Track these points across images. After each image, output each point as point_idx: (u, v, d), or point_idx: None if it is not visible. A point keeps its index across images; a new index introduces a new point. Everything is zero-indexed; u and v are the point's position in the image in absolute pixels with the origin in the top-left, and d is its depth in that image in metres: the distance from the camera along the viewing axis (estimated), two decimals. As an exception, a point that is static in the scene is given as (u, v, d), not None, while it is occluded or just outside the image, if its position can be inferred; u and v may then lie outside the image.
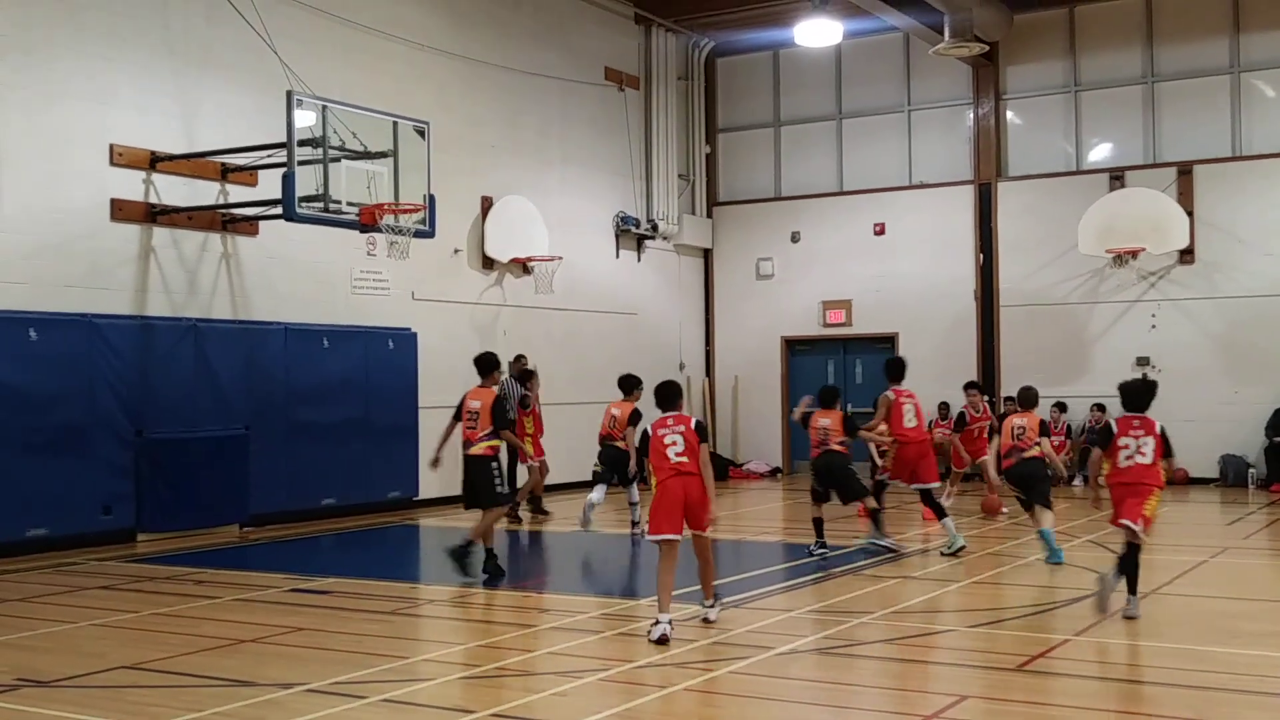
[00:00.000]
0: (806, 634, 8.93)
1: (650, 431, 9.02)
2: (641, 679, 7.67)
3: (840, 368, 23.78)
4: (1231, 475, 20.03)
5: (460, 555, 11.37)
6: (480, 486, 11.45)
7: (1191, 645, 8.56)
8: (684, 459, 8.81)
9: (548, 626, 9.51)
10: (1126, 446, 9.34)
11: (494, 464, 11.43)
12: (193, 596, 10.79)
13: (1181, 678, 7.81)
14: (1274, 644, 8.54)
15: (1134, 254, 20.41)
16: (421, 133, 15.21)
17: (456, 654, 8.52)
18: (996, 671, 7.93)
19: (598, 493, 14.35)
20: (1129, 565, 9.22)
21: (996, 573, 11.86)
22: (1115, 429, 9.43)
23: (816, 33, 20.13)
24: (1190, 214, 20.54)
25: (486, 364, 11.81)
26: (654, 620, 8.58)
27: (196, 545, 14.19)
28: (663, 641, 8.39)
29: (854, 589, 10.77)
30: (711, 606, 9.20)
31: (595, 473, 14.81)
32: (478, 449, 11.42)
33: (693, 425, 8.97)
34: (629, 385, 14.58)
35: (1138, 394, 9.58)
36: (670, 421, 9.00)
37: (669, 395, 9.25)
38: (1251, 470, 19.90)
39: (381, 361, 17.45)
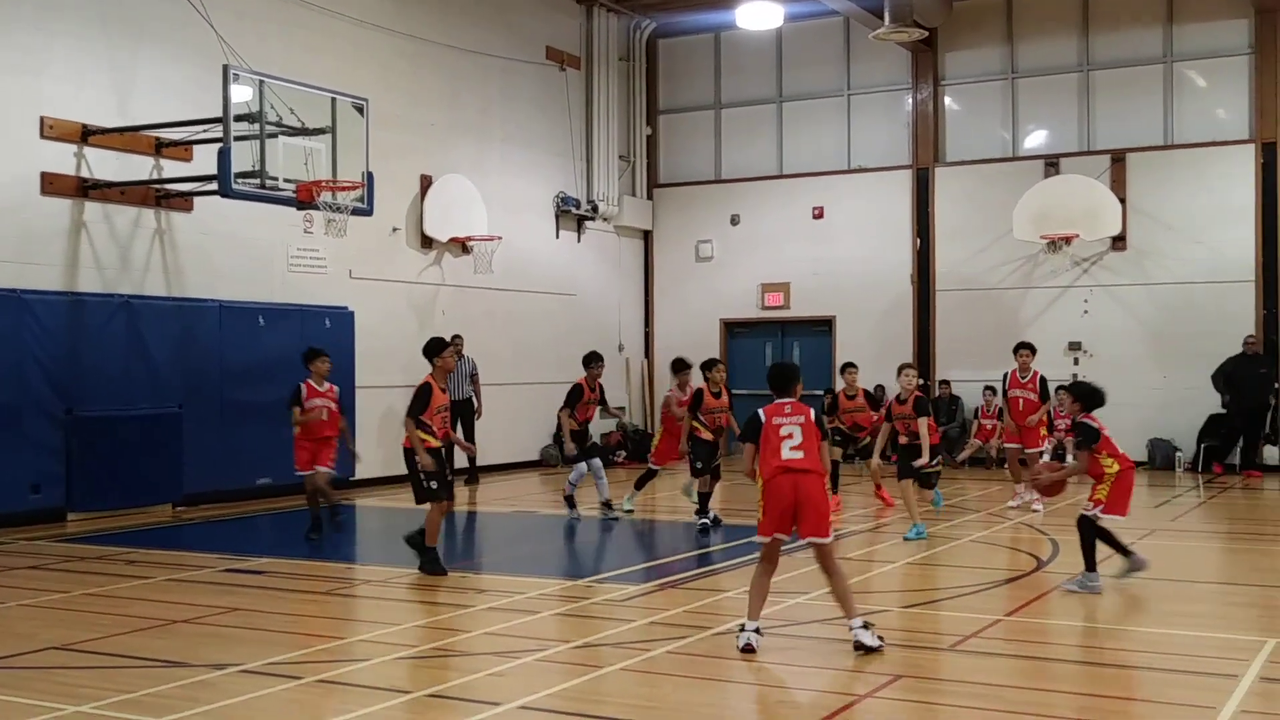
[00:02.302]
0: (743, 614, 8.98)
1: (763, 418, 7.99)
2: (579, 659, 7.69)
3: (778, 350, 23.92)
4: (1159, 459, 20.38)
5: (412, 543, 10.84)
6: (412, 482, 10.87)
7: (1120, 625, 8.72)
8: (798, 454, 7.82)
9: (484, 607, 9.50)
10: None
11: (417, 458, 10.64)
12: (125, 577, 10.66)
13: (1111, 657, 7.98)
14: (1199, 624, 8.73)
15: (1068, 240, 20.67)
16: (360, 110, 15.07)
17: (393, 634, 8.49)
18: (930, 651, 8.05)
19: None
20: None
21: (930, 554, 12.00)
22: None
23: (758, 15, 20.21)
24: (1123, 201, 20.84)
25: (429, 349, 11.05)
26: (739, 626, 7.90)
27: (129, 525, 14.01)
28: (748, 651, 7.66)
29: (790, 569, 10.84)
30: (864, 628, 7.74)
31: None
32: (407, 441, 10.79)
33: (812, 416, 7.96)
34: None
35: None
36: (787, 409, 7.97)
37: (786, 379, 8.17)
38: (1178, 454, 20.26)
39: (318, 340, 17.07)
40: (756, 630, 7.78)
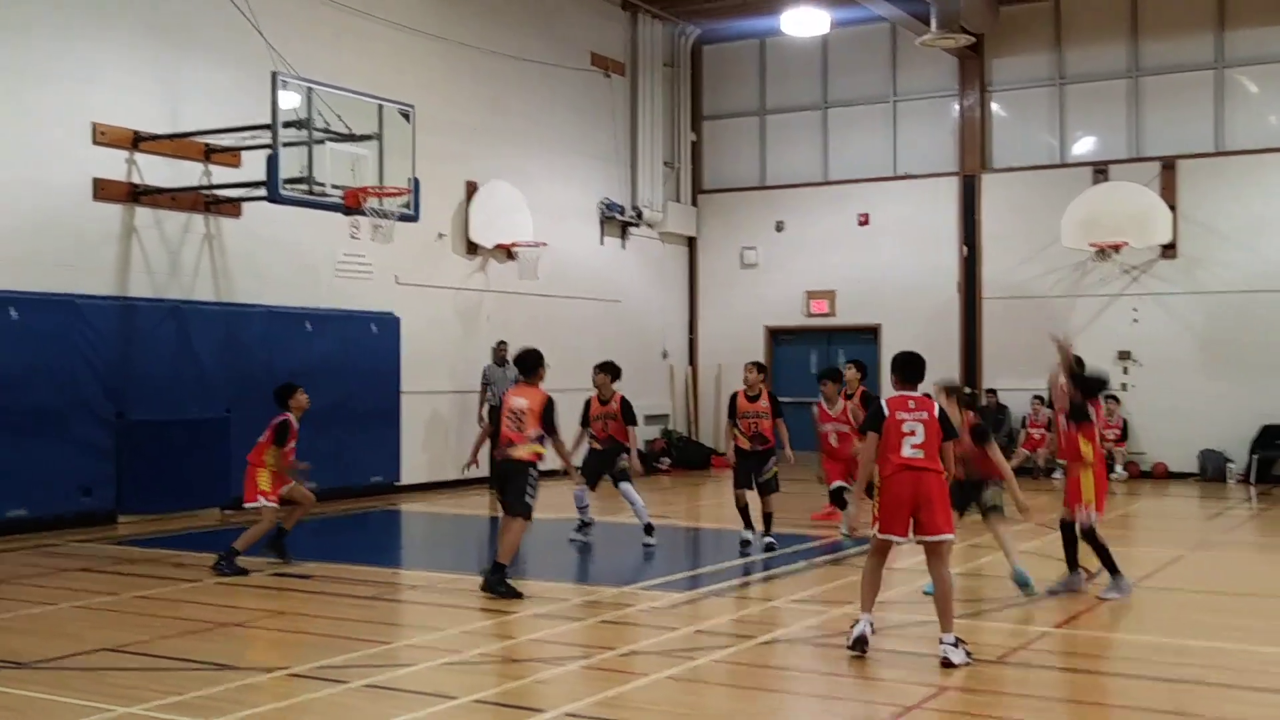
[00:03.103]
0: (788, 623, 8.95)
1: (886, 411, 7.71)
2: (624, 666, 7.68)
3: (823, 358, 23.79)
4: (1211, 470, 20.13)
5: (494, 584, 9.98)
6: (512, 493, 10.21)
7: (1170, 639, 8.61)
8: (919, 453, 7.59)
9: (530, 613, 9.50)
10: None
11: (532, 471, 10.11)
12: (173, 579, 10.75)
13: (1161, 671, 7.87)
14: (1253, 638, 8.60)
15: (1116, 248, 20.46)
16: (406, 116, 15.15)
17: (439, 639, 8.51)
18: (976, 663, 7.96)
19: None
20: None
21: (976, 565, 11.90)
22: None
23: (803, 21, 20.12)
24: (1173, 208, 20.62)
25: (529, 361, 10.40)
26: (853, 620, 7.91)
27: (177, 528, 14.14)
28: (861, 643, 7.66)
29: (836, 579, 10.79)
30: (955, 645, 7.57)
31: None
32: (520, 452, 10.11)
33: (936, 412, 7.72)
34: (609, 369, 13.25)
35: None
36: (911, 404, 7.69)
37: (917, 369, 7.85)
38: (1230, 465, 19.99)
39: (364, 345, 17.39)
40: (870, 624, 7.74)
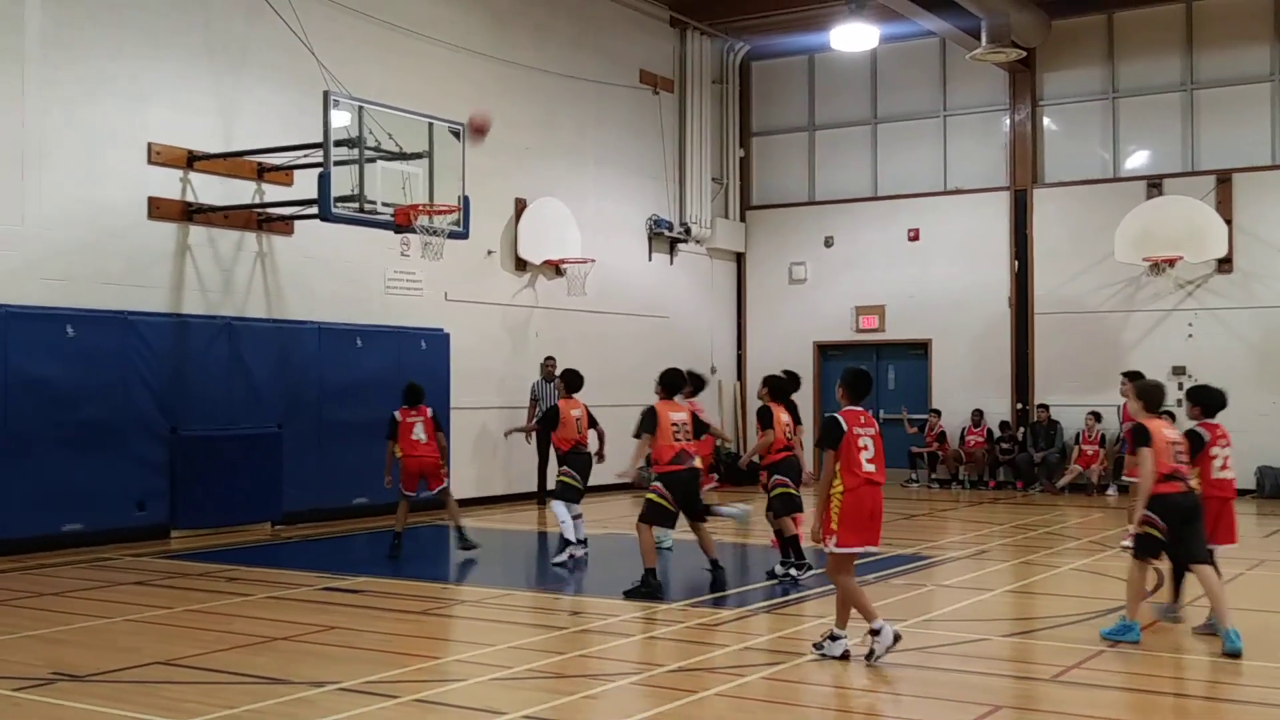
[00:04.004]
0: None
1: (844, 426, 7.96)
2: (673, 683, 7.64)
3: (873, 374, 23.64)
4: (1269, 486, 19.82)
5: (717, 580, 11.02)
6: (697, 498, 11.22)
7: (1227, 659, 8.45)
8: (872, 467, 7.93)
9: (579, 629, 9.49)
10: (1216, 457, 9.13)
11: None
12: (226, 593, 10.83)
13: (1217, 691, 7.74)
14: (1314, 658, 8.43)
15: (1171, 262, 20.22)
16: (457, 134, 15.22)
17: (489, 655, 8.51)
18: (1030, 682, 7.88)
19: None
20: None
21: (1028, 582, 11.78)
22: (1206, 437, 9.18)
23: (852, 37, 20.06)
24: (1229, 222, 20.36)
25: (674, 383, 11.40)
26: (830, 635, 8.14)
27: (230, 542, 14.26)
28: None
29: (885, 596, 10.70)
30: (875, 634, 7.99)
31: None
32: (699, 461, 11.29)
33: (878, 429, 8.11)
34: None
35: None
36: (863, 420, 8.02)
37: (868, 385, 8.24)
38: (1288, 481, 19.68)
39: (414, 362, 17.46)
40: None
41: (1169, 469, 8.59)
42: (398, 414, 13.34)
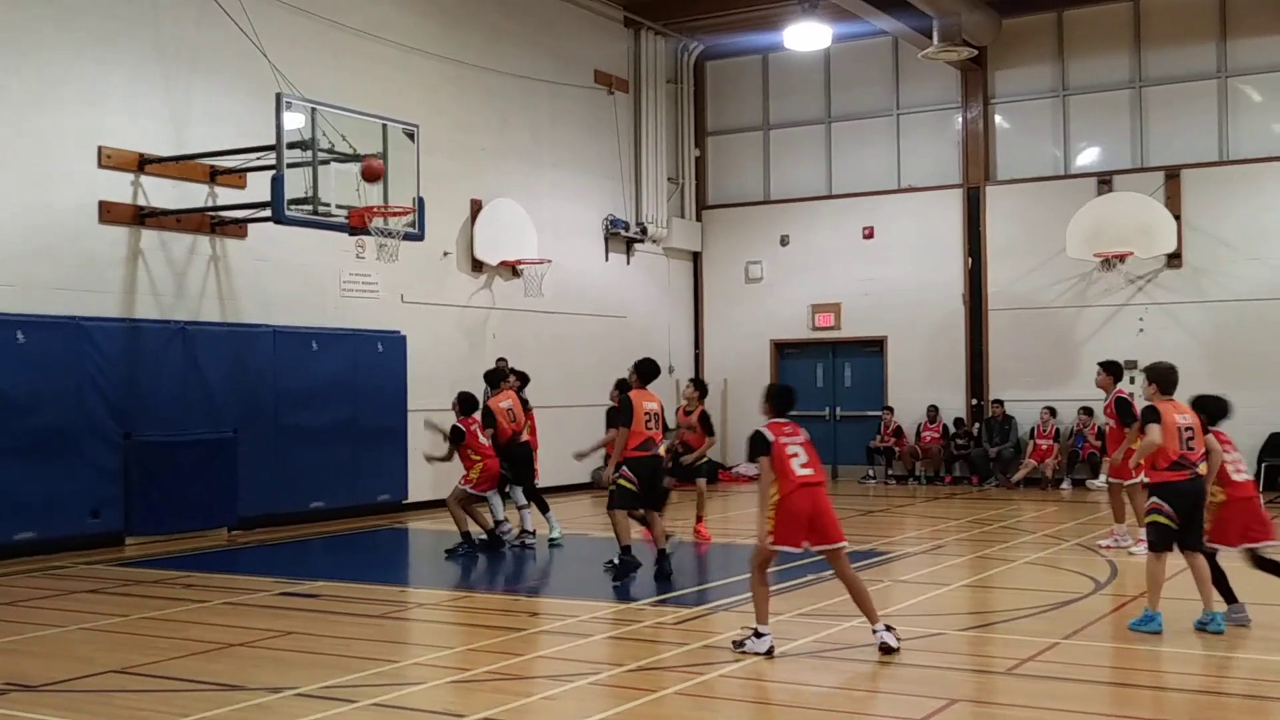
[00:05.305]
0: (798, 637, 8.92)
1: (770, 437, 8.30)
2: (632, 683, 7.66)
3: (829, 371, 23.83)
4: (1219, 479, 20.05)
5: (661, 570, 11.48)
6: (659, 486, 11.81)
7: (1179, 649, 8.57)
8: (809, 470, 8.24)
9: (537, 630, 9.50)
10: (1229, 462, 9.13)
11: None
12: (181, 600, 10.75)
13: (1173, 681, 7.85)
14: (1268, 648, 8.55)
15: (1121, 258, 20.47)
16: (411, 135, 15.19)
17: (446, 657, 8.50)
18: (986, 675, 7.95)
19: None
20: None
21: (984, 576, 11.89)
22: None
23: (805, 36, 20.18)
24: (1178, 218, 20.62)
25: (649, 371, 12.02)
26: (755, 633, 8.22)
27: (185, 549, 14.15)
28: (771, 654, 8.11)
29: (844, 592, 10.76)
30: (888, 630, 8.21)
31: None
32: (662, 449, 11.85)
33: (807, 435, 8.46)
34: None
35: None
36: (788, 429, 8.41)
37: (793, 399, 8.74)
38: (1238, 474, 19.91)
39: (370, 364, 17.42)
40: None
41: (1176, 454, 8.68)
42: (460, 423, 13.48)
